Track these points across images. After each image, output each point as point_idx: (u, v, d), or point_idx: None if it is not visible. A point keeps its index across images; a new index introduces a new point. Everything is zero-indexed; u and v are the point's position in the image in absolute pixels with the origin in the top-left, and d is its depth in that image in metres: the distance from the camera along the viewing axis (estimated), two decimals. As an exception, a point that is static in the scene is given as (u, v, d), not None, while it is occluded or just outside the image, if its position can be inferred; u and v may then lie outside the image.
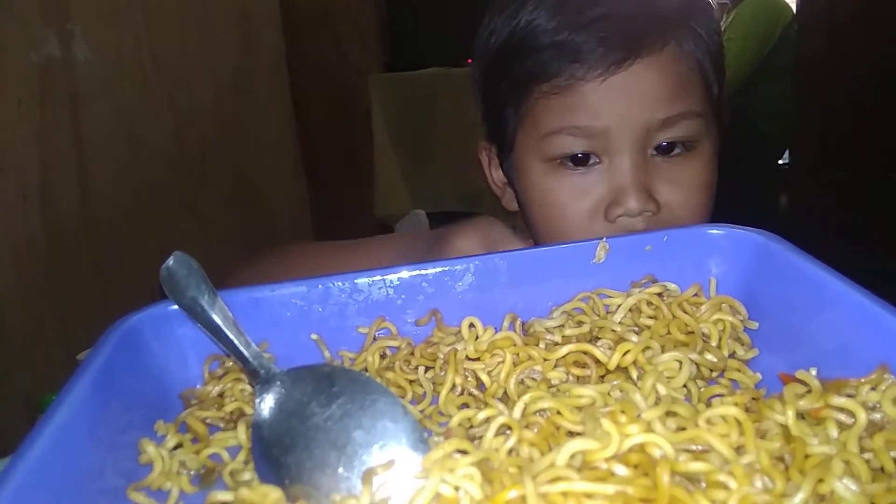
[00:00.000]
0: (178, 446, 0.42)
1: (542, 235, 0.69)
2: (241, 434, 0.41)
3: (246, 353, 0.41)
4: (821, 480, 0.31)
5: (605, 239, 0.51)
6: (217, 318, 0.42)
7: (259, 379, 0.40)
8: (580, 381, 0.43)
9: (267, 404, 0.39)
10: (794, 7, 2.55)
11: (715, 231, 0.51)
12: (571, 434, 0.36)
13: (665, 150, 0.64)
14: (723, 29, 2.44)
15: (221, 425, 0.44)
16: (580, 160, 0.64)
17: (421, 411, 0.44)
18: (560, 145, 0.64)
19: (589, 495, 0.30)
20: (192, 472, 0.40)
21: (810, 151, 2.54)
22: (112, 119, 1.49)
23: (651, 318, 0.47)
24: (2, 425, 1.28)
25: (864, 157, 2.32)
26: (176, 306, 0.45)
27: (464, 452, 0.33)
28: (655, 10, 0.66)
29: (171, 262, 0.45)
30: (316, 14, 2.21)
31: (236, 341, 0.41)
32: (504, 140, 0.71)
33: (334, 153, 2.38)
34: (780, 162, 2.79)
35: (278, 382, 0.39)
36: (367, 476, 0.32)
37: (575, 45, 0.63)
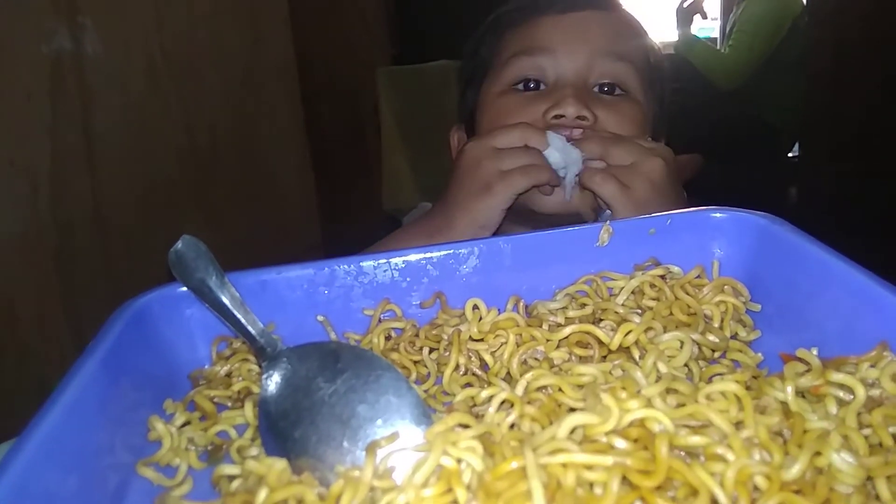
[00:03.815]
0: (187, 424, 0.42)
1: None
2: (249, 412, 0.42)
3: (253, 331, 0.42)
4: (818, 453, 0.32)
5: (608, 223, 0.51)
6: (224, 298, 0.43)
7: (266, 356, 0.41)
8: (582, 361, 0.44)
9: (273, 380, 0.39)
10: (804, -1, 2.53)
11: (718, 214, 0.51)
12: (573, 411, 0.36)
13: (608, 92, 0.73)
14: (733, 21, 2.42)
15: (229, 404, 0.44)
16: (530, 88, 0.74)
17: (425, 391, 0.45)
18: (517, 67, 0.74)
19: (588, 467, 0.31)
20: (199, 449, 0.41)
21: (820, 144, 2.52)
22: (122, 112, 1.50)
23: (654, 299, 0.47)
24: (13, 413, 1.29)
25: (874, 149, 2.30)
26: (184, 288, 0.46)
27: (466, 427, 0.34)
28: None
29: (179, 245, 0.46)
30: (324, 7, 2.21)
31: (243, 320, 0.42)
32: (465, 109, 0.81)
33: (342, 146, 2.38)
34: (790, 154, 2.78)
35: (284, 359, 0.40)
36: (371, 448, 0.33)
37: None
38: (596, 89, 0.73)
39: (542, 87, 0.73)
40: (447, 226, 0.66)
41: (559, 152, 0.64)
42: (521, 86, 0.74)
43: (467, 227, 0.66)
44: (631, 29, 0.78)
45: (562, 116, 0.69)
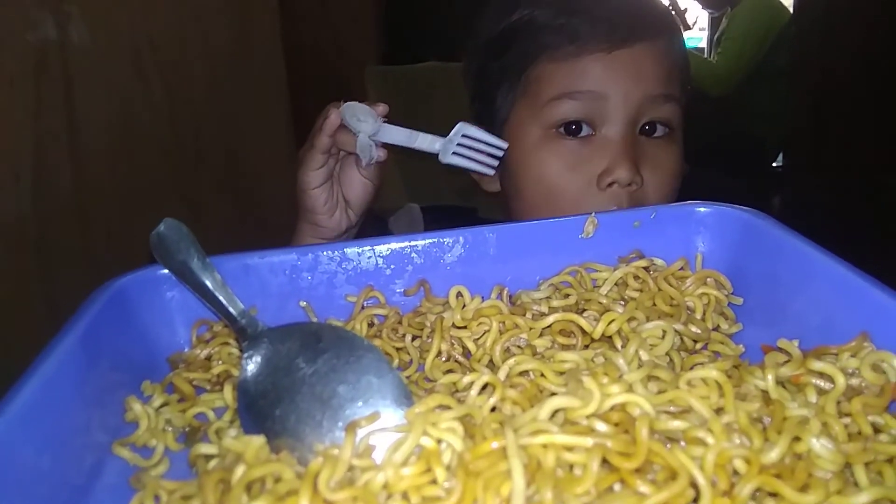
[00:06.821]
0: (165, 405, 0.42)
1: (530, 206, 0.71)
2: (228, 395, 0.42)
3: (233, 311, 0.41)
4: (798, 439, 0.32)
5: (594, 214, 0.51)
6: (206, 280, 0.43)
7: (246, 336, 0.40)
8: (565, 349, 0.44)
9: (254, 360, 0.39)
10: (791, 9, 2.55)
11: (702, 208, 0.51)
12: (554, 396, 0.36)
13: (649, 131, 0.70)
14: (721, 30, 2.43)
15: (208, 387, 0.44)
16: (574, 130, 0.69)
17: (407, 377, 0.45)
18: (561, 111, 0.69)
19: (569, 448, 0.31)
20: (177, 430, 0.41)
21: (805, 154, 2.55)
22: (107, 102, 1.48)
23: (637, 291, 0.48)
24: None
25: (859, 160, 2.33)
26: (165, 270, 0.46)
27: (447, 408, 0.34)
28: (647, 8, 0.74)
29: (162, 227, 0.46)
30: (314, 3, 2.20)
31: (224, 300, 0.42)
32: (495, 118, 0.75)
33: (329, 144, 2.38)
34: (774, 164, 2.80)
35: (265, 339, 0.39)
36: (351, 427, 0.32)
37: (579, 26, 0.69)
38: (640, 134, 0.70)
39: (585, 127, 0.69)
40: None
41: (351, 119, 0.66)
42: (562, 129, 0.69)
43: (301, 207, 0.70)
44: (680, 58, 0.74)
45: (614, 183, 0.67)
